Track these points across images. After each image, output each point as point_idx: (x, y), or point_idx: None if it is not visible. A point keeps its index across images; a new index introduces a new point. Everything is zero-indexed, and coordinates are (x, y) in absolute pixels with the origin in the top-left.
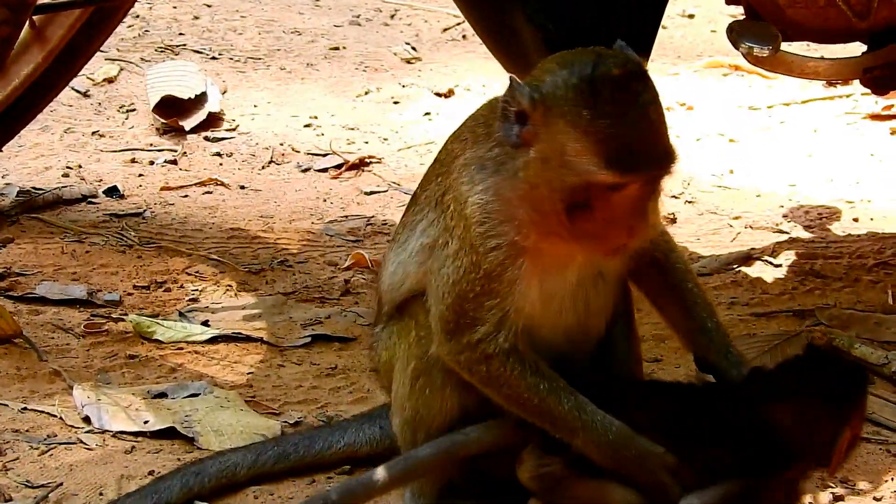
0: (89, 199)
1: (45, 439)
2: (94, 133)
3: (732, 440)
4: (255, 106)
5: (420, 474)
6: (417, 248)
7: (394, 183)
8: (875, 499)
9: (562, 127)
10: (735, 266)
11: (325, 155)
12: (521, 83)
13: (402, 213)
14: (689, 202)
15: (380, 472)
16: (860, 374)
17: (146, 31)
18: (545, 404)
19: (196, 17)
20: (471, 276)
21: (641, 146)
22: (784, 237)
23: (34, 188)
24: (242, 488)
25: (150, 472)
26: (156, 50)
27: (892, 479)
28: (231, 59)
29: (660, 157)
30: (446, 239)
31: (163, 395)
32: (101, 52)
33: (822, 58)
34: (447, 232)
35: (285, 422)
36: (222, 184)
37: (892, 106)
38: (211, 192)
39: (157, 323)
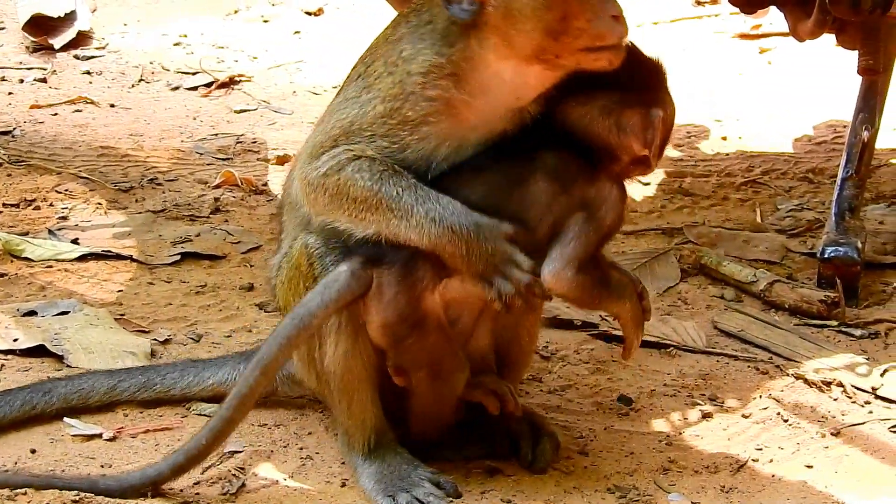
0: None
1: None
2: None
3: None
4: (124, 24)
5: (280, 360)
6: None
7: (263, 101)
8: (743, 415)
9: None
10: None
11: (194, 73)
12: None
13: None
14: None
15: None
16: (656, 66)
17: None
18: (380, 193)
19: None
20: (378, 120)
21: None
22: None
23: None
24: (100, 412)
25: None
26: None
27: (760, 396)
28: None
29: None
30: (359, 94)
31: (32, 312)
32: None
33: None
34: (363, 90)
35: (155, 339)
36: (92, 102)
37: (761, 25)
38: (81, 111)
39: (27, 241)
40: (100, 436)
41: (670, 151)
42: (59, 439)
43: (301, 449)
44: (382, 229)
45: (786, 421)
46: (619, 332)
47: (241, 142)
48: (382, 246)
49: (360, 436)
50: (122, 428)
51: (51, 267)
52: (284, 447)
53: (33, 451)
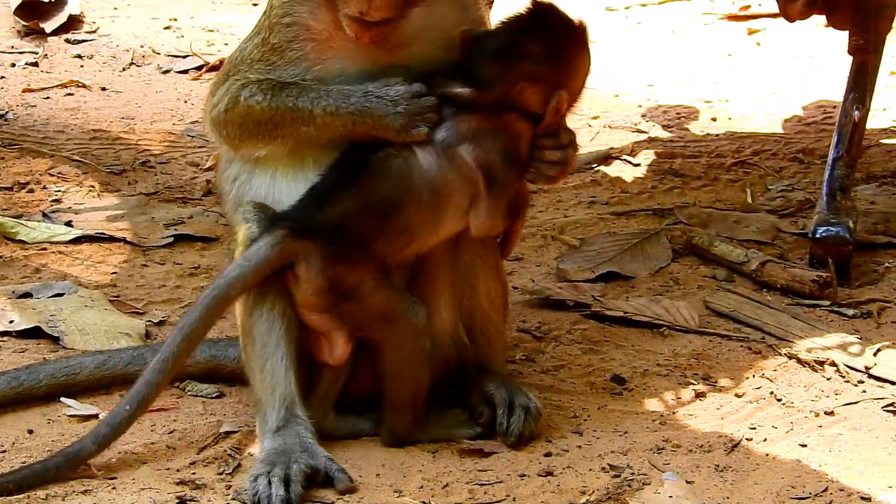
0: None
1: None
2: None
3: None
4: (115, 8)
5: (201, 328)
6: None
7: None
8: (736, 395)
9: None
10: (594, 165)
11: (185, 56)
12: None
13: None
14: None
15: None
16: (579, 31)
17: None
18: (281, 106)
19: None
20: (255, 50)
21: None
22: (643, 137)
23: None
24: (89, 391)
25: None
26: None
27: (753, 375)
28: None
29: None
30: (250, 35)
31: (28, 294)
32: None
33: None
34: (253, 31)
35: (149, 321)
36: (83, 85)
37: (749, 6)
38: (72, 94)
39: (21, 224)
40: (96, 416)
41: (660, 132)
42: (56, 420)
43: None
44: (299, 139)
45: (779, 400)
46: (613, 313)
47: None
48: (311, 214)
49: (272, 410)
50: None
51: (45, 249)
52: None
53: (30, 432)
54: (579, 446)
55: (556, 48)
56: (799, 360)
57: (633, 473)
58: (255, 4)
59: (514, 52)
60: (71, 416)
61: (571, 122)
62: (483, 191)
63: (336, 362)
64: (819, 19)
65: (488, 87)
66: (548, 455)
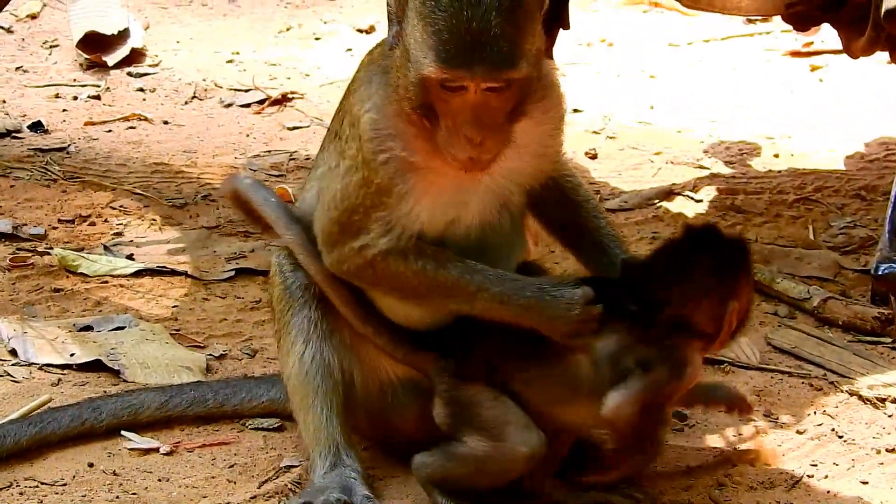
0: (13, 135)
1: None
2: (17, 68)
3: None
4: (177, 42)
5: None
6: (315, 180)
7: (316, 118)
8: (798, 432)
9: (411, 19)
10: (656, 201)
11: (247, 90)
12: None
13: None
14: (611, 138)
15: None
16: (740, 246)
17: None
18: (436, 280)
19: None
20: (361, 192)
21: (473, 44)
22: (705, 173)
23: None
24: (149, 429)
25: None
26: None
27: (814, 412)
28: None
29: (490, 59)
30: (338, 161)
31: (88, 328)
32: None
33: None
34: (340, 155)
35: (210, 354)
36: (146, 119)
37: (812, 43)
38: (134, 127)
39: (82, 256)
40: (157, 450)
41: (722, 168)
42: (117, 453)
43: None
44: (439, 307)
45: (840, 437)
46: None
47: (293, 158)
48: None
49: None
50: (178, 442)
51: (106, 282)
52: None
53: (91, 465)
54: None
55: (725, 263)
56: (860, 397)
57: None
58: (317, 39)
59: (684, 271)
60: (132, 449)
61: (632, 157)
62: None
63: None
64: (882, 56)
65: (657, 309)
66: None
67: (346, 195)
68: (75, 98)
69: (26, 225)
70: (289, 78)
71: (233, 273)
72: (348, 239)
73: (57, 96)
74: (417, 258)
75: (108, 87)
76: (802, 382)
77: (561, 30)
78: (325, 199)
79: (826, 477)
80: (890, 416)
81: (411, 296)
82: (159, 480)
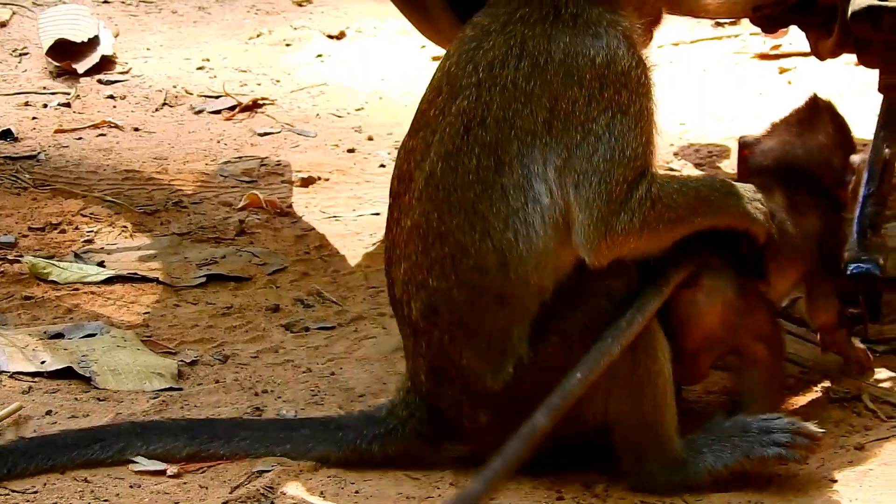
0: None
1: None
2: None
3: None
4: (147, 49)
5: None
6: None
7: (287, 124)
8: None
9: None
10: None
11: (218, 97)
12: None
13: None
14: None
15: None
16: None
17: None
18: (699, 197)
19: None
20: (638, 128)
21: None
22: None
23: None
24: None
25: (48, 412)
26: None
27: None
28: (123, 2)
29: None
30: (583, 132)
31: (59, 335)
32: None
33: None
34: (580, 127)
35: (182, 360)
36: (116, 126)
37: (780, 45)
38: (105, 135)
39: (53, 264)
40: (164, 472)
41: (692, 170)
42: (122, 477)
43: (330, 468)
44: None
45: None
46: None
47: (265, 164)
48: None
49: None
50: (186, 464)
51: (77, 290)
52: (313, 466)
53: (62, 472)
54: None
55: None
56: (829, 396)
57: None
58: (287, 45)
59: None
60: (138, 471)
61: None
62: None
63: (696, 383)
64: (849, 58)
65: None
66: None
67: (624, 145)
68: (45, 106)
69: None
70: (259, 84)
71: (204, 279)
72: (634, 190)
73: (27, 104)
74: (683, 184)
75: (79, 95)
76: None
77: None
78: (595, 172)
79: (795, 475)
80: (858, 415)
81: (684, 227)
82: (131, 487)
